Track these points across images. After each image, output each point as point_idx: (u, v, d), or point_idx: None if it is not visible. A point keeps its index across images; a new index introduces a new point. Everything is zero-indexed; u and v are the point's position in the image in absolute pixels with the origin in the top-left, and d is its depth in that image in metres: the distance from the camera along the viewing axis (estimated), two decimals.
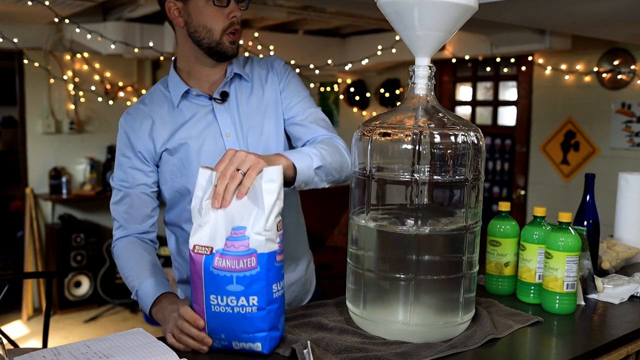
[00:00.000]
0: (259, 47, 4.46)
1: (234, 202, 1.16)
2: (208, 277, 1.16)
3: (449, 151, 1.23)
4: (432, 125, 1.23)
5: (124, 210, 1.56)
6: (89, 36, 4.01)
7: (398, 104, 1.35)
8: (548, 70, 4.36)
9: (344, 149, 1.48)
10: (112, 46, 4.08)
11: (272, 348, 1.19)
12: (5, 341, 1.57)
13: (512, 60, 4.54)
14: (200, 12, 1.47)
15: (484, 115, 5.05)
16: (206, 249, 1.16)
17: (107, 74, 5.00)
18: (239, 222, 1.15)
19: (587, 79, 4.19)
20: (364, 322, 1.29)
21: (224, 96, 1.54)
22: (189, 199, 1.46)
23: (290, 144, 1.62)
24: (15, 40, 4.08)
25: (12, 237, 5.75)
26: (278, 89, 1.59)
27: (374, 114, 5.12)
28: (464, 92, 5.15)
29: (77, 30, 3.96)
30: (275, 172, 1.16)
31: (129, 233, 1.56)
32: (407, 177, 1.23)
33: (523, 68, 4.50)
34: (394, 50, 4.43)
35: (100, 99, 4.94)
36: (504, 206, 1.62)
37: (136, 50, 4.20)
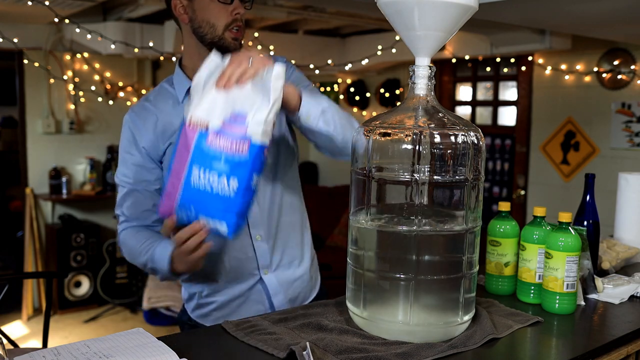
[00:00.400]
0: (259, 47, 4.46)
1: (237, 89, 1.21)
2: (197, 151, 1.19)
3: (449, 151, 1.23)
4: (432, 125, 1.23)
5: (128, 206, 1.56)
6: (89, 36, 4.01)
7: (398, 104, 1.35)
8: (548, 70, 4.36)
9: (355, 122, 1.51)
10: (112, 46, 4.08)
11: (235, 235, 1.24)
12: (5, 341, 1.57)
13: (512, 60, 4.54)
14: (205, 9, 1.50)
15: (484, 115, 5.05)
16: (202, 124, 1.20)
17: (107, 74, 5.00)
18: (239, 108, 1.20)
19: (587, 79, 4.19)
20: (364, 322, 1.29)
21: None
22: None
23: (294, 140, 1.65)
24: (15, 40, 4.08)
25: (12, 237, 5.75)
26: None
27: (374, 114, 5.12)
28: (464, 92, 5.15)
29: (77, 30, 3.96)
30: (283, 72, 1.23)
31: (134, 225, 1.58)
32: (407, 177, 1.23)
33: (523, 68, 4.50)
34: (394, 50, 4.43)
35: (100, 99, 4.94)
36: (504, 206, 1.62)
37: (136, 50, 4.20)
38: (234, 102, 1.20)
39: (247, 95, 1.21)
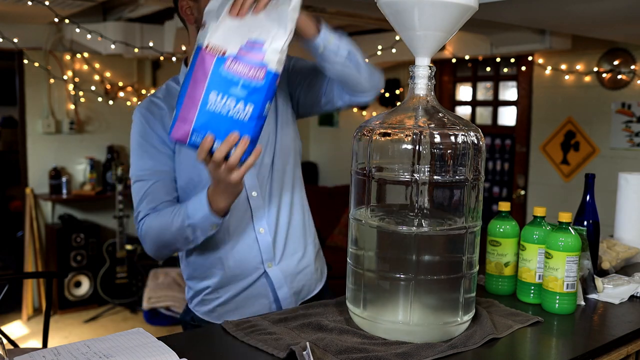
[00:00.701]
0: None
1: (252, 17, 1.23)
2: (215, 76, 1.21)
3: (449, 151, 1.23)
4: (432, 125, 1.23)
5: (148, 201, 1.52)
6: (89, 36, 4.01)
7: (398, 104, 1.35)
8: (548, 70, 4.36)
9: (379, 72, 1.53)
10: (112, 46, 4.08)
11: (245, 160, 1.25)
12: (5, 341, 1.57)
13: (512, 60, 4.54)
14: None
15: (484, 115, 5.05)
16: (219, 50, 1.21)
17: (107, 74, 5.00)
18: (255, 36, 1.22)
19: (587, 79, 4.19)
20: (364, 322, 1.29)
21: None
22: (200, 189, 1.47)
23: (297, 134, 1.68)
24: (15, 40, 4.08)
25: (12, 237, 5.75)
26: (286, 80, 1.64)
27: (374, 114, 5.12)
28: (464, 92, 5.15)
29: (77, 30, 3.96)
30: (299, 4, 1.25)
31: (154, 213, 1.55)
32: (407, 177, 1.23)
33: (523, 68, 4.49)
34: (394, 50, 4.43)
35: (100, 99, 4.94)
36: (504, 206, 1.62)
37: (136, 50, 4.20)
38: (249, 30, 1.23)
39: (262, 24, 1.23)
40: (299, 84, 1.65)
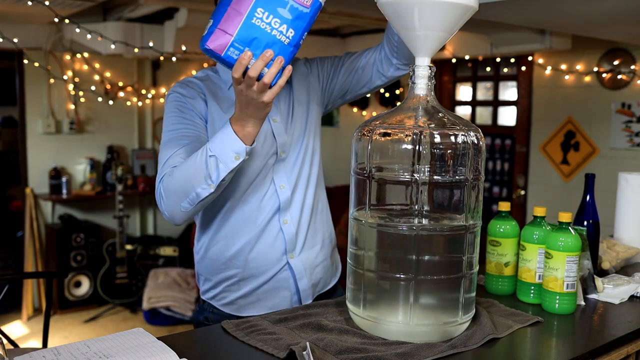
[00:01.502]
0: None
1: None
2: None
3: (449, 151, 1.23)
4: (432, 125, 1.23)
5: (169, 162, 1.45)
6: (89, 36, 4.01)
7: (398, 104, 1.35)
8: (548, 70, 4.36)
9: None
10: (112, 46, 4.08)
11: (276, 81, 1.26)
12: (5, 341, 1.57)
13: (512, 60, 4.54)
14: None
15: (484, 115, 5.05)
16: None
17: (107, 74, 5.00)
18: None
19: (587, 79, 4.19)
20: (364, 322, 1.29)
21: None
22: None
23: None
24: (15, 40, 4.08)
25: (12, 237, 5.75)
26: (317, 78, 1.73)
27: (374, 114, 5.12)
28: (464, 92, 5.15)
29: (77, 30, 3.96)
30: None
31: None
32: (407, 177, 1.23)
33: (523, 68, 4.49)
34: None
35: (100, 99, 4.94)
36: (504, 206, 1.62)
37: (136, 50, 4.20)
38: None
39: None
40: (335, 74, 1.74)
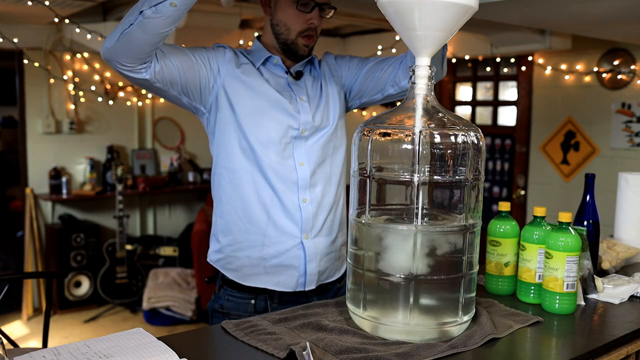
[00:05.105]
0: None
1: None
2: None
3: (449, 151, 1.23)
4: (432, 125, 1.23)
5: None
6: (89, 36, 4.01)
7: (398, 104, 1.35)
8: (548, 70, 4.36)
9: None
10: None
11: None
12: (5, 341, 1.57)
13: (512, 60, 4.54)
14: (285, 10, 1.66)
15: (484, 115, 5.05)
16: None
17: (107, 74, 4.99)
18: None
19: (587, 79, 4.19)
20: (364, 322, 1.29)
21: (299, 75, 1.72)
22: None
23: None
24: (15, 40, 4.08)
25: (12, 237, 5.75)
26: (344, 74, 1.82)
27: (374, 114, 5.12)
28: (464, 92, 5.16)
29: (77, 30, 3.96)
30: None
31: None
32: (407, 177, 1.23)
33: (523, 68, 4.50)
34: (394, 50, 4.43)
35: (100, 99, 4.94)
36: (504, 206, 1.63)
37: None
38: None
39: None
40: (357, 73, 1.80)
